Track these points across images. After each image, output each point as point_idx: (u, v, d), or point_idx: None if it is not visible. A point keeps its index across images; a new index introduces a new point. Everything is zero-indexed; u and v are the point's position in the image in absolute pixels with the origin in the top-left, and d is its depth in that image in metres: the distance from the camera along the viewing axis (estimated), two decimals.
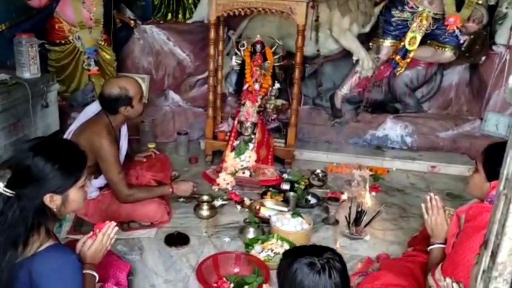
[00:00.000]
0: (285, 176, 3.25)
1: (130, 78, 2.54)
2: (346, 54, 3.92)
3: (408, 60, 3.83)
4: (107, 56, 3.91)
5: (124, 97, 2.37)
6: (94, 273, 1.53)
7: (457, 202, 3.12)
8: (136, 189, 2.56)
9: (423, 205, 1.96)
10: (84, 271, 1.48)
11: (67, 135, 2.50)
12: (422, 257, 2.08)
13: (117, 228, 1.60)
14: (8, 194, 1.31)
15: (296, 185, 3.10)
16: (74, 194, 1.42)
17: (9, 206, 1.31)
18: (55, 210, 1.39)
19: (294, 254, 1.21)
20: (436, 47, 3.80)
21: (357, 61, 3.82)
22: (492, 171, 1.76)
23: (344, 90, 3.96)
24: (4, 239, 1.30)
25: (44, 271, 1.30)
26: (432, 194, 1.94)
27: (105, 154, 2.36)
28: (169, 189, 2.67)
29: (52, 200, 1.37)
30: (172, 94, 4.15)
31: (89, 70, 3.83)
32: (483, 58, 3.89)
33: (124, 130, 2.66)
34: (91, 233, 1.57)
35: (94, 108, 2.56)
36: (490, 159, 1.81)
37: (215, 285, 2.07)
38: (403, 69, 3.89)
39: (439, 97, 4.13)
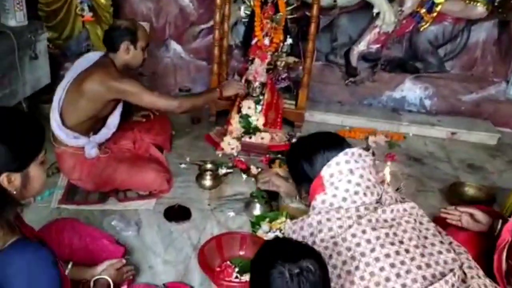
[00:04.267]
0: (294, 141, 3.01)
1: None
2: (365, 5, 3.54)
3: (435, 14, 3.46)
4: (102, 1, 3.55)
5: (132, 32, 2.29)
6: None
7: (479, 175, 2.92)
8: (181, 98, 2.53)
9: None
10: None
11: (62, 90, 2.26)
12: None
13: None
14: None
15: None
16: (35, 170, 1.20)
17: None
18: (14, 193, 1.16)
19: (270, 252, 1.16)
20: (467, 1, 3.42)
21: (378, 14, 3.46)
22: None
23: (361, 46, 3.62)
24: None
25: (10, 273, 1.09)
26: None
27: (129, 87, 2.24)
28: (216, 93, 2.61)
29: (10, 181, 1.14)
30: (173, 45, 3.83)
31: (82, 16, 3.50)
32: None
33: None
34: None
35: (91, 57, 2.38)
36: None
37: (218, 269, 1.90)
38: (428, 24, 3.53)
39: (463, 56, 3.78)
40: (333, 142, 1.51)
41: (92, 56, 2.38)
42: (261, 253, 1.18)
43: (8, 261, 1.09)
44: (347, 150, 1.46)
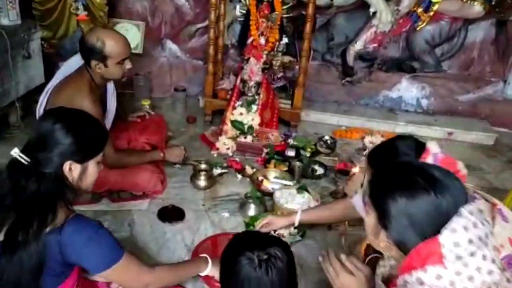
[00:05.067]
0: (290, 141, 3.00)
1: (119, 35, 2.17)
2: (362, 4, 3.53)
3: (432, 13, 3.45)
4: None
5: (97, 51, 2.07)
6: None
7: (476, 175, 2.91)
8: (123, 153, 2.33)
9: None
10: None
11: (45, 94, 2.24)
12: None
13: None
14: (22, 160, 1.26)
15: (302, 151, 2.87)
16: (92, 167, 1.38)
17: (28, 176, 1.26)
18: (71, 181, 1.33)
19: (238, 242, 1.18)
20: (464, 0, 3.40)
21: (374, 13, 3.44)
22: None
23: (358, 45, 3.60)
24: (29, 210, 1.24)
25: (76, 242, 1.27)
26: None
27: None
28: (160, 154, 2.47)
29: (71, 169, 1.32)
30: (169, 44, 3.82)
31: (77, 14, 3.47)
32: None
33: (110, 86, 2.40)
34: None
35: (74, 61, 2.28)
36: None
37: None
38: (424, 24, 3.52)
39: (460, 56, 3.77)
40: (439, 176, 1.05)
41: (73, 62, 2.28)
42: (230, 244, 1.18)
43: (74, 231, 1.26)
44: (470, 207, 1.03)
